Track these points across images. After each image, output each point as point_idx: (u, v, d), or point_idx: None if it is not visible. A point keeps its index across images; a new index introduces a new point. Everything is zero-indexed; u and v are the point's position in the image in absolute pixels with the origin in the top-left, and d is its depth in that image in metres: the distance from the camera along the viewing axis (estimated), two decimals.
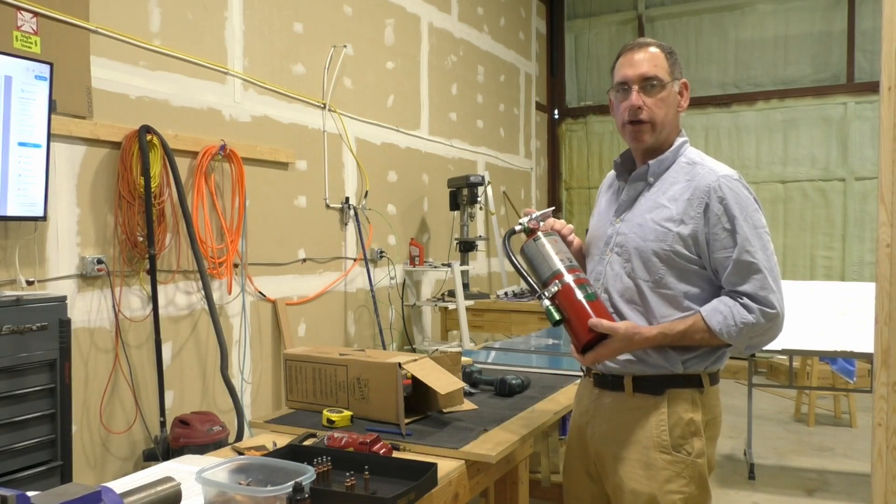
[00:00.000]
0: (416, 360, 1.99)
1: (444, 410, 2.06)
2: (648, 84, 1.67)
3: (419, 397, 2.02)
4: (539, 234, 1.69)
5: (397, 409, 1.92)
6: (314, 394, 2.12)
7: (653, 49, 1.70)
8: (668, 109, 1.69)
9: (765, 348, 3.97)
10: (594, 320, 1.57)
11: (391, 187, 4.95)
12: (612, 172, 1.88)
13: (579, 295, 1.60)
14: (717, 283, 1.64)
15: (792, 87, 6.95)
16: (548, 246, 1.66)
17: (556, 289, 1.60)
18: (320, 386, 2.11)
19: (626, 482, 1.67)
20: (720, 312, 1.59)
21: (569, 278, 1.62)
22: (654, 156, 1.73)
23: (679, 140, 1.75)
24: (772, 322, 1.58)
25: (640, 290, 1.66)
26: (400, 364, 1.93)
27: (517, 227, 1.72)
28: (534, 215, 1.72)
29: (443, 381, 1.96)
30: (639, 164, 1.77)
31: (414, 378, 1.97)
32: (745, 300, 1.58)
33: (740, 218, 1.59)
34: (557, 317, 1.59)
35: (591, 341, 1.60)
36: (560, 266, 1.63)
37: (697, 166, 1.69)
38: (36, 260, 2.70)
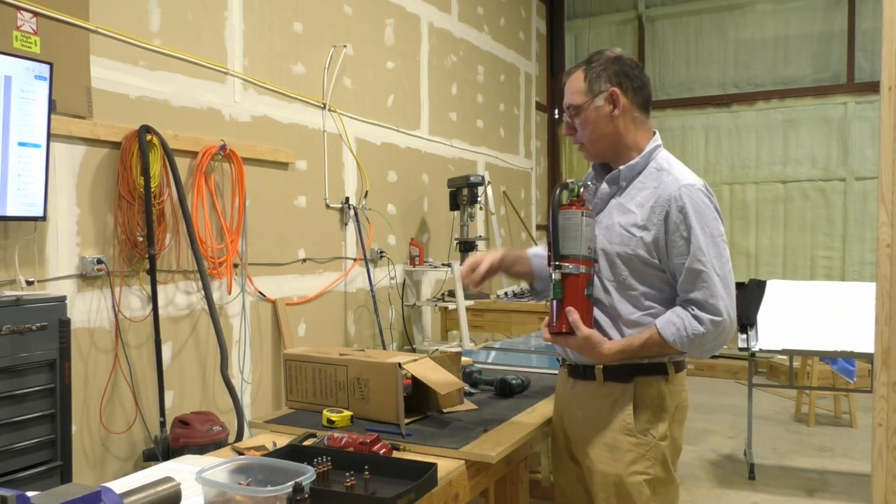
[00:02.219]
0: (415, 360, 1.99)
1: (444, 410, 2.06)
2: (570, 113, 1.80)
3: (419, 397, 2.02)
4: (587, 212, 1.71)
5: (397, 409, 1.92)
6: (314, 394, 2.12)
7: (574, 74, 1.81)
8: (594, 126, 1.78)
9: (765, 349, 3.99)
10: (570, 309, 1.68)
11: (391, 187, 4.95)
12: (591, 172, 1.95)
13: (585, 290, 1.69)
14: (675, 286, 1.74)
15: (792, 87, 6.96)
16: (587, 228, 1.70)
17: (572, 272, 1.68)
18: (320, 386, 2.10)
19: (596, 464, 1.78)
20: (673, 324, 1.69)
21: (589, 270, 1.70)
22: (622, 160, 1.80)
23: (651, 145, 1.80)
24: (719, 328, 1.67)
25: (606, 289, 1.76)
26: (400, 364, 1.94)
27: (570, 184, 1.73)
28: (588, 184, 1.77)
29: (442, 381, 1.96)
30: (613, 166, 1.84)
31: (414, 378, 1.97)
32: (696, 311, 1.68)
33: (697, 227, 1.67)
34: (560, 295, 1.68)
35: (563, 331, 1.70)
36: (586, 254, 1.70)
37: (664, 173, 1.75)
38: (36, 260, 2.70)
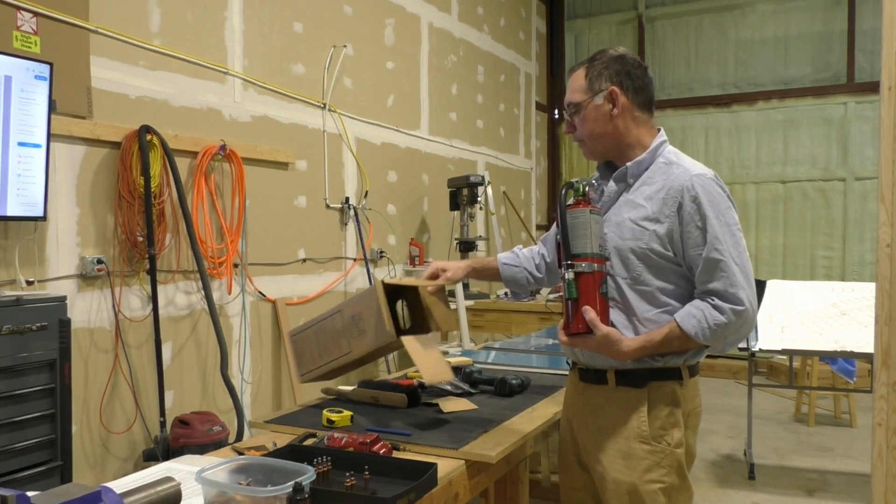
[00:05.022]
0: (394, 277, 2.00)
1: (441, 328, 2.03)
2: (570, 111, 1.81)
3: (416, 319, 2.01)
4: (595, 209, 1.69)
5: (381, 310, 1.90)
6: (319, 355, 2.10)
7: (576, 73, 1.81)
8: (593, 124, 1.78)
9: (765, 349, 3.99)
10: (587, 308, 1.63)
11: (391, 187, 4.95)
12: (596, 173, 1.93)
13: (599, 288, 1.65)
14: (692, 280, 1.70)
15: (792, 87, 6.95)
16: (596, 226, 1.67)
17: (585, 270, 1.63)
18: (323, 343, 2.08)
19: (609, 472, 1.73)
20: (693, 317, 1.64)
21: (601, 268, 1.66)
22: (625, 159, 1.78)
23: (656, 141, 1.78)
24: (742, 318, 1.63)
25: (619, 288, 1.72)
26: (383, 280, 1.96)
27: (574, 183, 1.71)
28: (593, 182, 1.76)
29: (423, 284, 1.98)
30: (618, 165, 1.82)
31: (408, 301, 1.97)
32: (716, 301, 1.63)
33: (712, 216, 1.64)
34: (575, 294, 1.63)
35: (580, 330, 1.65)
36: (597, 252, 1.66)
37: (673, 166, 1.73)
38: (36, 260, 2.70)
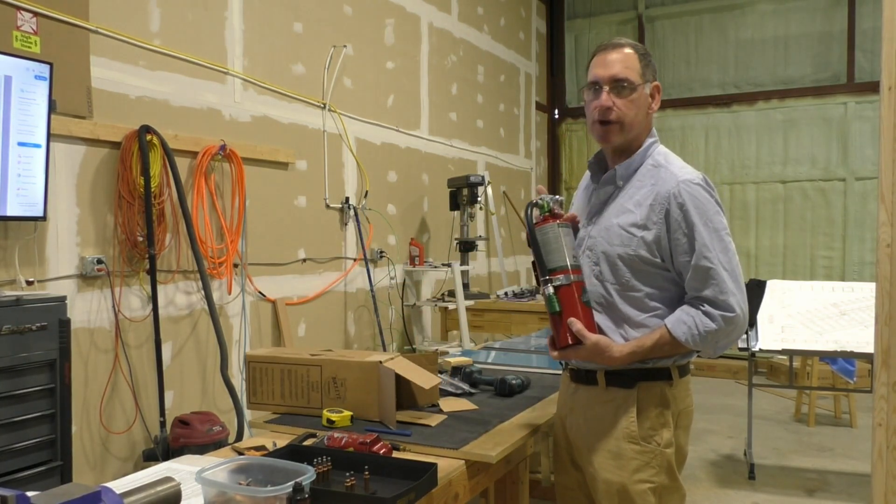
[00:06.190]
0: (392, 359, 1.99)
1: (421, 405, 2.06)
2: (619, 85, 1.70)
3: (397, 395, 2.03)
4: (562, 222, 1.69)
5: (383, 405, 1.92)
6: (281, 395, 2.09)
7: (626, 50, 1.73)
8: (637, 111, 1.72)
9: (765, 349, 3.98)
10: (572, 320, 1.64)
11: (391, 187, 4.95)
12: (588, 172, 1.91)
13: (581, 297, 1.65)
14: (682, 284, 1.70)
15: (792, 87, 6.95)
16: (567, 237, 1.68)
17: (563, 282, 1.64)
18: (289, 387, 2.08)
19: (599, 472, 1.74)
20: (684, 323, 1.64)
21: (579, 278, 1.66)
22: (624, 156, 1.76)
23: (648, 141, 1.78)
24: (732, 324, 1.63)
25: (608, 293, 1.73)
26: (381, 361, 1.94)
27: (539, 201, 1.69)
28: (557, 198, 1.72)
29: (423, 378, 1.97)
30: (610, 164, 1.80)
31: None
32: (707, 307, 1.63)
33: (699, 223, 1.64)
34: (558, 308, 1.64)
35: (569, 343, 1.66)
36: (572, 262, 1.66)
37: (661, 169, 1.72)
38: (36, 260, 2.70)
